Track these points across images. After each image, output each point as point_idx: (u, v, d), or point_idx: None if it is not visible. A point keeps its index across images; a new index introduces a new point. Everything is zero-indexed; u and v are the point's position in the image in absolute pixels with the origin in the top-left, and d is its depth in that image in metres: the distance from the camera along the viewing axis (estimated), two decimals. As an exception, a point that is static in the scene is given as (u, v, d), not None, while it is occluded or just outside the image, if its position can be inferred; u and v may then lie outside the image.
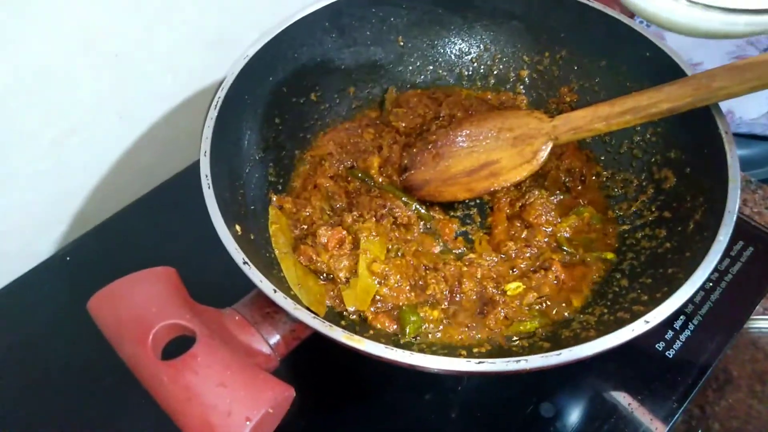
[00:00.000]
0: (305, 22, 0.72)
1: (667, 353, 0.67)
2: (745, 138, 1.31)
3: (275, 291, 0.48)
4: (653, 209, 0.64)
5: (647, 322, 0.46)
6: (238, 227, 0.56)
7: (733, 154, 0.56)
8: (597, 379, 0.65)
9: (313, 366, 0.65)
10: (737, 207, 0.52)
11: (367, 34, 0.79)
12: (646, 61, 0.67)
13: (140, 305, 0.45)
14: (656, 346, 0.68)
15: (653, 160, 0.67)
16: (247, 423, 0.40)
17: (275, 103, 0.72)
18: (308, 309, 0.49)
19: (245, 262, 0.49)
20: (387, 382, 0.65)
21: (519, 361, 0.44)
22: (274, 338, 0.50)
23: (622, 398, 0.64)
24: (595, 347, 0.44)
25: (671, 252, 0.57)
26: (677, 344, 0.68)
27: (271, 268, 0.59)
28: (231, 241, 0.51)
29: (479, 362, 0.44)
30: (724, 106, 1.40)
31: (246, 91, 0.66)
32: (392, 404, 0.64)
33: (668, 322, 0.69)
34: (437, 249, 0.66)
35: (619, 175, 0.70)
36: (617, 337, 0.45)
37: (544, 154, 0.64)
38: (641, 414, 0.63)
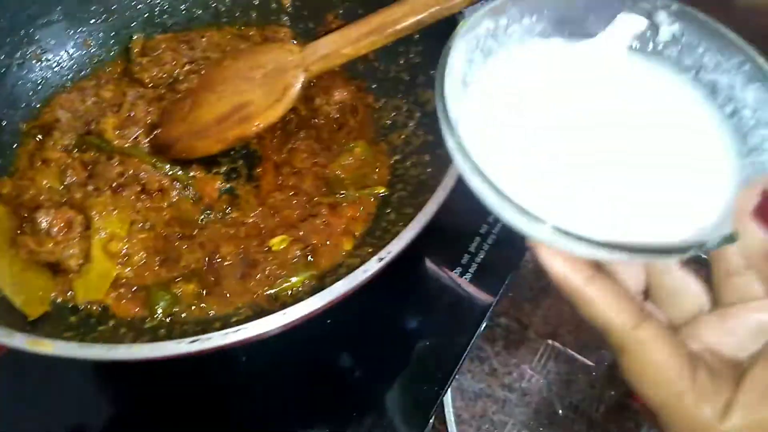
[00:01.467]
0: (-3, -37, 0.59)
1: (465, 277, 0.66)
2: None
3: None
4: (420, 134, 0.60)
5: (381, 259, 0.42)
6: None
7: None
8: (393, 312, 0.63)
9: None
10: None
11: (96, -31, 0.67)
12: (398, -26, 0.61)
13: None
14: (454, 272, 0.66)
15: (417, 81, 0.63)
16: None
17: (-26, 69, 0.59)
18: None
19: None
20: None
21: (238, 330, 0.39)
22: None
23: (422, 327, 0.62)
24: (315, 303, 0.39)
25: (431, 178, 0.54)
26: (473, 267, 0.66)
27: (-23, 270, 0.49)
28: None
29: (192, 341, 0.38)
30: None
31: None
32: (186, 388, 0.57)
33: (463, 247, 0.67)
34: (199, 213, 0.59)
35: (390, 102, 0.66)
36: (348, 283, 0.41)
37: (295, 90, 0.57)
38: (444, 338, 0.61)
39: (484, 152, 0.30)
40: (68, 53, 0.67)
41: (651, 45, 0.35)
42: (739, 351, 0.29)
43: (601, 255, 0.26)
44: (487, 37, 0.34)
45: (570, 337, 0.81)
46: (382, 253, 0.42)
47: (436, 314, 0.64)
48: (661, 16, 0.33)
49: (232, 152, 0.63)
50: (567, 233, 0.26)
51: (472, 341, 0.64)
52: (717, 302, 0.31)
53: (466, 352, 0.63)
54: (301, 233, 0.56)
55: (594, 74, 0.35)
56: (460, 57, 0.33)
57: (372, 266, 0.41)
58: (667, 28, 0.34)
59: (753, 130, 0.30)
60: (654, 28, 0.34)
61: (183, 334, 0.48)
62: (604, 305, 0.28)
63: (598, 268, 0.30)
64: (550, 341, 0.80)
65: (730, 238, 0.26)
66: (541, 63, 0.35)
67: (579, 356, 0.79)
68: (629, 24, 0.34)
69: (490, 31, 0.34)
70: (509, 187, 0.27)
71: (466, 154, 0.28)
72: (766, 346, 0.28)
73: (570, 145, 0.32)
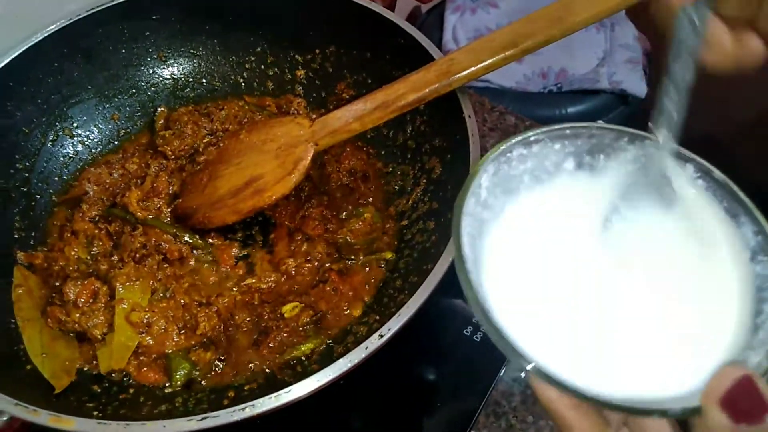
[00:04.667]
0: (35, 52, 0.64)
1: (474, 337, 0.67)
2: (578, 94, 1.35)
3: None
4: (426, 200, 0.63)
5: (381, 336, 0.44)
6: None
7: (475, 140, 0.55)
8: (406, 367, 0.63)
9: None
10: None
11: (123, 53, 0.72)
12: (403, 49, 0.65)
13: None
14: (469, 326, 0.67)
15: (424, 149, 0.65)
16: None
17: (15, 148, 0.64)
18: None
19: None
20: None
21: (244, 408, 0.41)
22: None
23: (436, 382, 0.62)
24: (318, 381, 0.41)
25: (435, 246, 0.56)
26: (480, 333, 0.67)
27: (10, 342, 0.53)
28: None
29: (202, 418, 0.40)
30: (558, 64, 1.41)
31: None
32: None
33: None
34: (216, 279, 0.61)
35: (398, 168, 0.68)
36: (349, 361, 0.43)
37: (305, 163, 0.60)
38: (458, 392, 0.62)
39: (490, 280, 0.31)
40: (98, 128, 0.72)
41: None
42: None
43: (571, 396, 0.28)
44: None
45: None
46: (383, 330, 0.44)
47: (450, 368, 0.64)
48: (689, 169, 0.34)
49: (248, 219, 0.66)
50: (545, 375, 0.28)
51: (488, 395, 0.64)
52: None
53: (481, 407, 0.63)
54: (312, 299, 0.58)
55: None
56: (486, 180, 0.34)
57: (373, 343, 0.43)
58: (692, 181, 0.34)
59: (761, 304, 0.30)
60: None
61: (198, 403, 0.51)
62: None
63: None
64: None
65: (693, 411, 0.27)
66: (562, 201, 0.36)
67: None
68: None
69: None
70: (505, 316, 0.29)
71: (470, 284, 0.29)
72: None
73: (577, 289, 0.33)
